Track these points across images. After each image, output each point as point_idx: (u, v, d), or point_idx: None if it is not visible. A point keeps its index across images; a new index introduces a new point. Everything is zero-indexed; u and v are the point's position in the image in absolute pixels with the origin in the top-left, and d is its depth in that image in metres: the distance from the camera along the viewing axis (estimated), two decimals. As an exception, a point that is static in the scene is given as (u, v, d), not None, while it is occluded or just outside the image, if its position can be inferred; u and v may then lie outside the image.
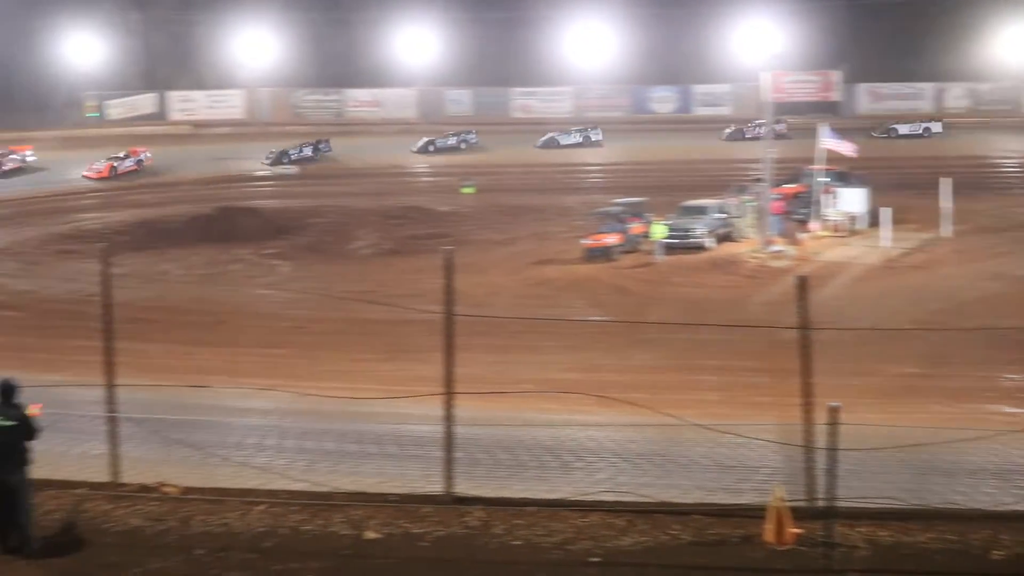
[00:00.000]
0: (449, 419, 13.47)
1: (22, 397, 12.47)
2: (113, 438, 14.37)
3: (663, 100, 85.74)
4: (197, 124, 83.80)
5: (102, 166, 66.01)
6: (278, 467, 16.57)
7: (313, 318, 32.05)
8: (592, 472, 16.85)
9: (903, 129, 75.95)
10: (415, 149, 73.57)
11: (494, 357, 24.29)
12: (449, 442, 13.50)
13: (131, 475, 14.51)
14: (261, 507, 13.51)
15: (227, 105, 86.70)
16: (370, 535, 12.71)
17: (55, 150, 69.01)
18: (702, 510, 13.24)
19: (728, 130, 76.66)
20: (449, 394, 13.44)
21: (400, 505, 13.49)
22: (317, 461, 18.21)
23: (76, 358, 23.36)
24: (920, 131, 75.74)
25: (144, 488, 14.25)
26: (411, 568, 12.04)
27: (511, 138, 75.32)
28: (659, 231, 41.76)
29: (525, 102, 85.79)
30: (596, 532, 12.62)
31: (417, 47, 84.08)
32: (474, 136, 74.82)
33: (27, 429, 12.29)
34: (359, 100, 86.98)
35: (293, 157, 70.85)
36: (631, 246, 42.39)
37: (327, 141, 72.98)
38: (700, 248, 42.42)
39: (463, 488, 13.72)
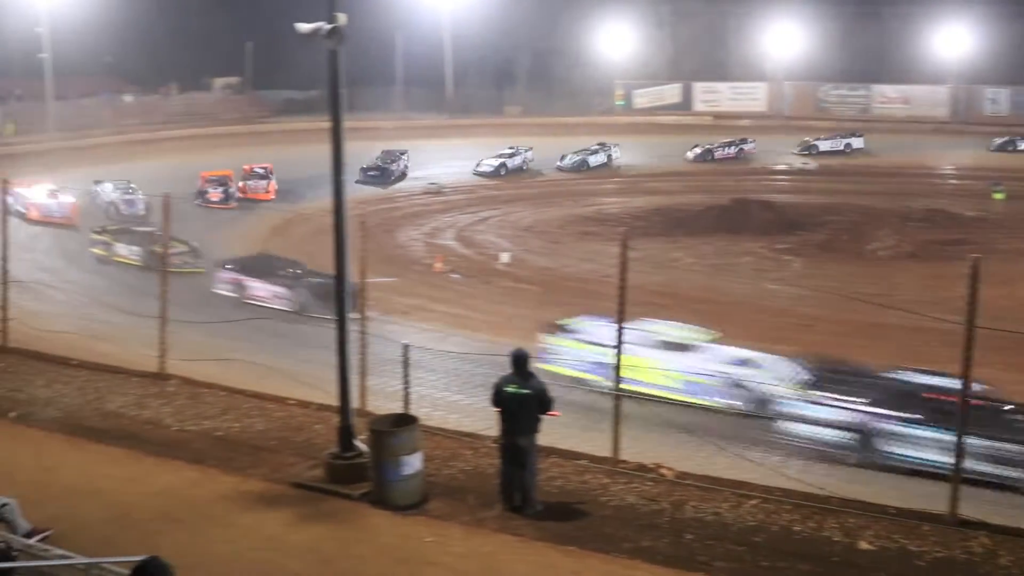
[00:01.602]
0: (960, 437, 12.67)
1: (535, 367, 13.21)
2: (616, 416, 14.79)
3: None
4: (718, 115, 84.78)
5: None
6: (774, 464, 16.40)
7: (821, 317, 31.47)
8: None
9: (824, 146, 71.23)
10: (485, 171, 65.64)
11: (1013, 376, 22.67)
12: (959, 461, 12.71)
13: (629, 453, 14.90)
14: (753, 501, 13.40)
15: (750, 98, 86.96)
16: (864, 545, 12.24)
17: (583, 136, 72.20)
18: None
19: (696, 150, 71.03)
20: (964, 412, 12.64)
21: (898, 519, 12.89)
22: (814, 462, 17.88)
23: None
24: (842, 147, 71.32)
25: (641, 467, 14.56)
26: (904, 586, 11.49)
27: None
28: None
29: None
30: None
31: (952, 42, 79.87)
32: (530, 153, 67.93)
33: (542, 400, 12.94)
34: (886, 96, 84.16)
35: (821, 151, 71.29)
36: None
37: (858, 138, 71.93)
38: None
39: (967, 511, 12.87)
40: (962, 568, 11.73)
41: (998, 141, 71.21)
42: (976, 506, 13.13)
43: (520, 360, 13.06)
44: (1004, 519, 13.11)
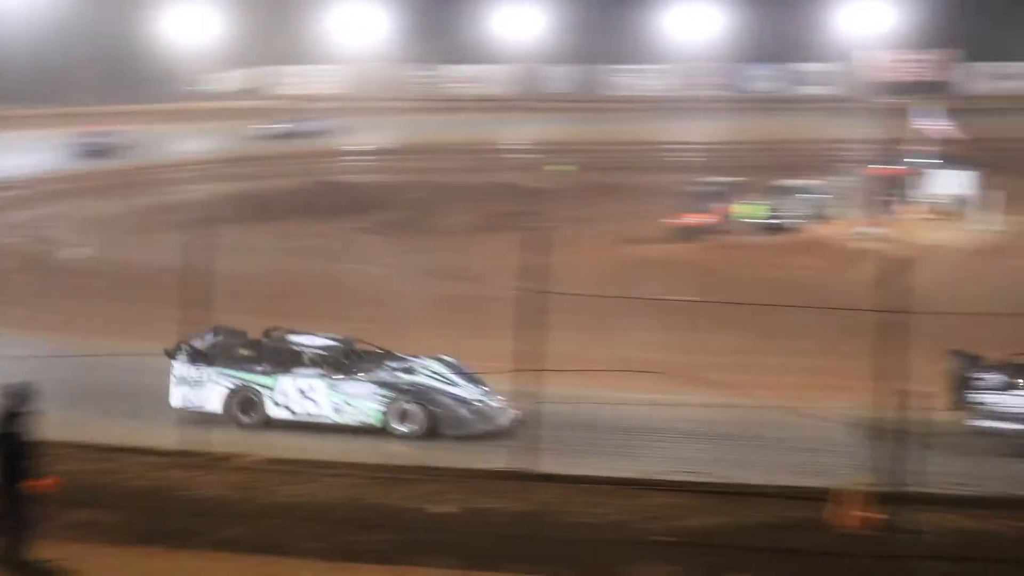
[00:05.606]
0: (535, 397, 13.56)
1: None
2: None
3: (763, 79, 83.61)
4: (296, 98, 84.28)
5: None
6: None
7: (399, 293, 32.28)
8: (673, 450, 16.90)
9: None
10: None
11: (578, 335, 24.28)
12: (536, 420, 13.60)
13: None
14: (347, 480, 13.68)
15: (329, 80, 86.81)
16: (446, 509, 12.83)
17: (151, 124, 70.12)
18: (773, 492, 13.24)
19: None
20: (532, 371, 13.53)
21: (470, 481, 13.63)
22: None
23: (165, 327, 23.68)
24: None
25: (223, 457, 14.54)
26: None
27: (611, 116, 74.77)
28: (750, 211, 41.40)
29: (621, 79, 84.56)
30: (666, 512, 12.66)
31: (517, 23, 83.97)
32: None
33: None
34: (456, 76, 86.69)
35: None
36: (723, 226, 41.96)
37: None
38: (791, 229, 41.93)
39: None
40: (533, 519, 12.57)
41: None
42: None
43: (13, 397, 11.71)
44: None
